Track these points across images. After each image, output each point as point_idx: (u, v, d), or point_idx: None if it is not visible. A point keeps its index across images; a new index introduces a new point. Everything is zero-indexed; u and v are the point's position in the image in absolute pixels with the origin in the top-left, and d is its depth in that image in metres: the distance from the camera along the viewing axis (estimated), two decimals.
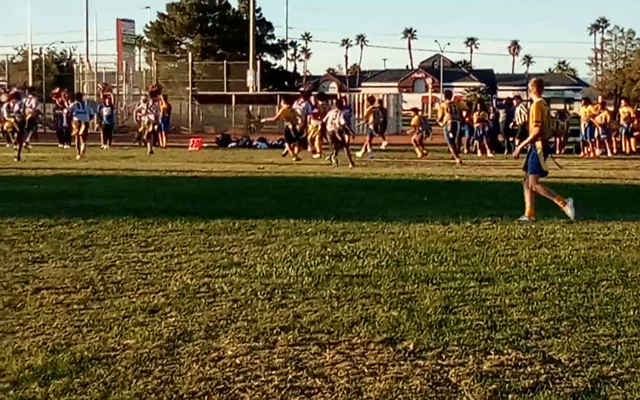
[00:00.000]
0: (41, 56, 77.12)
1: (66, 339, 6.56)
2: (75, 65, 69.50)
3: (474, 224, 12.65)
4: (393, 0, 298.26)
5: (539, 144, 13.55)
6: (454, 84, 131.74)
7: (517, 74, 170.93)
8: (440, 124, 30.43)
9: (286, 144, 30.74)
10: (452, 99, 31.49)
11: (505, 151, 33.02)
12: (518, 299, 7.95)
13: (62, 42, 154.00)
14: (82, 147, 29.51)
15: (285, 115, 30.99)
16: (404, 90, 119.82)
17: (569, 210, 13.22)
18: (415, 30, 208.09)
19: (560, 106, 54.88)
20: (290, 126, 30.31)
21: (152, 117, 33.60)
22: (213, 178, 21.35)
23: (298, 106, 31.53)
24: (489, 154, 32.33)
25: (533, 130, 13.62)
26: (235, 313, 7.39)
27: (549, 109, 14.17)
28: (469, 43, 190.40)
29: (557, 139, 32.66)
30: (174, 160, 28.30)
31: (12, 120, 29.02)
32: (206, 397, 5.34)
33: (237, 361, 6.03)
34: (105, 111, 37.63)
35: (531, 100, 15.01)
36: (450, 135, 28.64)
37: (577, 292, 8.26)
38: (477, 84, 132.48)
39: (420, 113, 34.49)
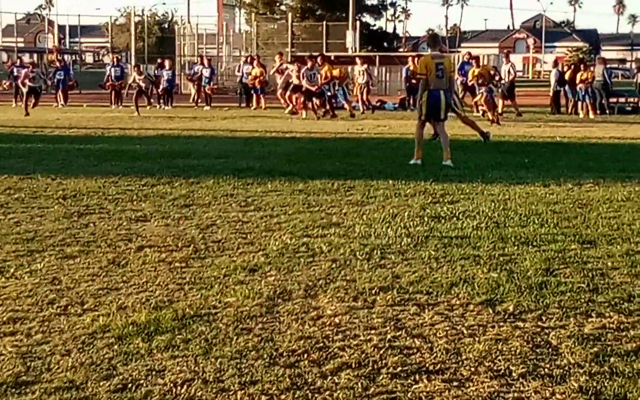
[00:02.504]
0: (143, 18, 78.15)
1: (168, 296, 6.66)
2: (176, 27, 70.34)
3: (575, 186, 12.46)
4: None
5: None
6: (556, 44, 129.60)
7: (621, 34, 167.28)
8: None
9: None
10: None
11: (608, 112, 32.79)
12: (621, 261, 7.79)
13: (164, 4, 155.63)
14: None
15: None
16: (505, 51, 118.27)
17: (414, 161, 15.34)
18: None
19: None
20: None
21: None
22: (312, 139, 21.41)
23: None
24: (591, 116, 31.80)
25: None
26: (334, 273, 7.41)
27: (439, 63, 15.40)
28: (573, 2, 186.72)
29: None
30: (272, 121, 28.46)
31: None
32: (305, 355, 5.37)
33: (336, 320, 6.05)
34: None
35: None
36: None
37: None
38: (580, 44, 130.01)
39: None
